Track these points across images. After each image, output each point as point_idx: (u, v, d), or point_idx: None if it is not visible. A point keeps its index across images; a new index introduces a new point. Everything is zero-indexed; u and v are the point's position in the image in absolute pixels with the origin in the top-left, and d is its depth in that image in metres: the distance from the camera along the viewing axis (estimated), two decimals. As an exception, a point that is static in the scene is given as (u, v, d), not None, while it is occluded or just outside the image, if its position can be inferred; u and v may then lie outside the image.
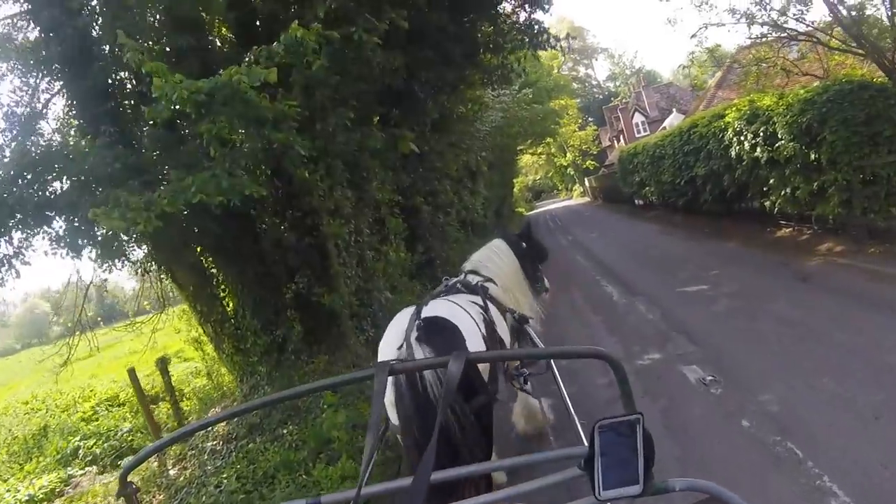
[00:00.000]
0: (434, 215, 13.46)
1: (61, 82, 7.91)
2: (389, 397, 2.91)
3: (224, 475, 6.27)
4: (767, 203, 12.92)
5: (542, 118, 34.60)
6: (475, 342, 3.23)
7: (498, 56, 12.18)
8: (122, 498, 1.53)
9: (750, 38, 19.37)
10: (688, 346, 7.20)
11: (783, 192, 11.70)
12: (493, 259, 4.74)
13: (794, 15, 14.94)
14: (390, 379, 2.39)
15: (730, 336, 7.14)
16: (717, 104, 22.87)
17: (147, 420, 8.24)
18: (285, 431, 6.85)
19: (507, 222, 38.80)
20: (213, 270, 8.83)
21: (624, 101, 53.42)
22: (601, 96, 76.44)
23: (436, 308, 3.33)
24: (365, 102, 8.36)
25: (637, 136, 41.93)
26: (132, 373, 7.97)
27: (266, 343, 8.41)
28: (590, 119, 64.83)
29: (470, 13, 10.14)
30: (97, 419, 11.02)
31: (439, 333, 3.03)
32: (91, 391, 13.37)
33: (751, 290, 8.95)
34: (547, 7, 11.52)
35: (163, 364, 8.56)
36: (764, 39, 18.93)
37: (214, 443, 7.35)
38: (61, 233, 6.68)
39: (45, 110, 8.46)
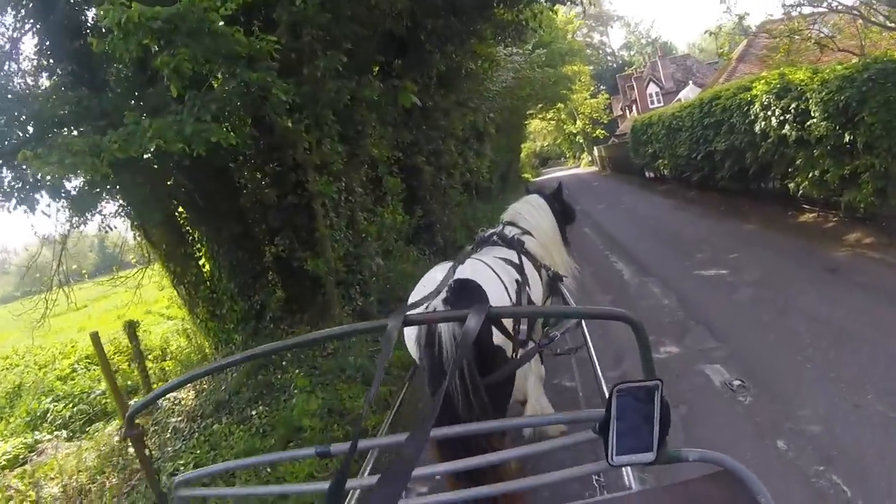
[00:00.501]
0: (436, 176, 12.58)
1: (31, 20, 7.01)
2: (414, 347, 2.91)
3: (181, 460, 5.64)
4: (791, 185, 12.15)
5: (553, 82, 33.45)
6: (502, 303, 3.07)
7: (513, 10, 11.29)
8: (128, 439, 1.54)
9: (785, 5, 18.43)
10: (709, 340, 6.45)
11: (810, 175, 10.90)
12: (533, 213, 4.59)
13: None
14: (415, 330, 2.60)
15: (756, 331, 6.38)
16: (739, 77, 21.86)
17: (111, 388, 7.53)
18: (254, 413, 6.19)
19: (513, 188, 38.10)
20: (189, 229, 8.05)
21: (639, 70, 51.93)
22: (615, 65, 74.73)
23: (467, 270, 3.14)
24: (362, 48, 7.53)
25: (651, 106, 40.78)
26: (96, 338, 7.20)
27: (243, 309, 7.73)
28: (602, 87, 63.31)
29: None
30: (74, 378, 10.36)
31: (467, 298, 2.82)
32: (72, 347, 12.73)
33: (775, 279, 8.16)
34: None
35: (131, 329, 7.83)
36: (798, 11, 17.96)
37: (179, 419, 6.69)
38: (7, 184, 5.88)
39: (13, 50, 7.56)
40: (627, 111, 52.66)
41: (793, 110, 11.12)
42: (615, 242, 13.53)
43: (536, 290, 3.75)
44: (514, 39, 12.99)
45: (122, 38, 4.42)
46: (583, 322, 3.43)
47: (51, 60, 7.02)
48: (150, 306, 11.77)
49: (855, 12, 13.17)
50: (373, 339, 7.30)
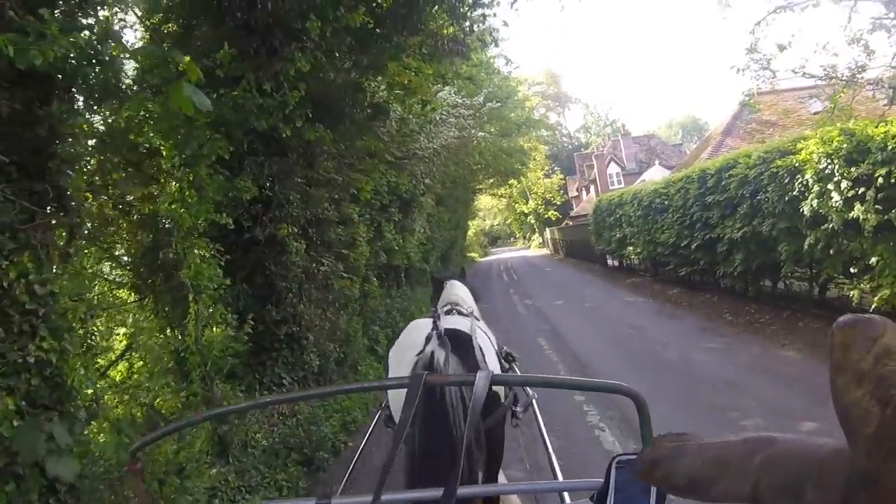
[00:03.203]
0: (316, 258, 7.90)
1: None
2: (399, 397, 2.60)
3: None
4: (855, 292, 8.05)
5: (507, 155, 29.72)
6: (491, 357, 3.15)
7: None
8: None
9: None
10: None
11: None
12: (465, 296, 4.48)
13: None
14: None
15: None
16: (724, 154, 18.18)
17: None
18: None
19: (456, 268, 33.63)
20: None
21: (600, 148, 49.06)
22: (570, 146, 72.72)
23: (451, 322, 3.24)
24: None
25: (611, 187, 37.38)
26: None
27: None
28: (556, 167, 60.98)
29: None
30: None
31: (459, 345, 2.86)
32: None
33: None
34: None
35: None
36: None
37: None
38: None
39: None
40: (584, 192, 49.69)
41: (877, 182, 7.07)
42: (588, 371, 8.91)
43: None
44: (450, 61, 8.64)
45: None
46: (534, 403, 3.32)
47: None
48: None
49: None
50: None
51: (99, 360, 6.46)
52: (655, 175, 28.22)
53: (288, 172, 7.20)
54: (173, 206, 5.34)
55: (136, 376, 6.89)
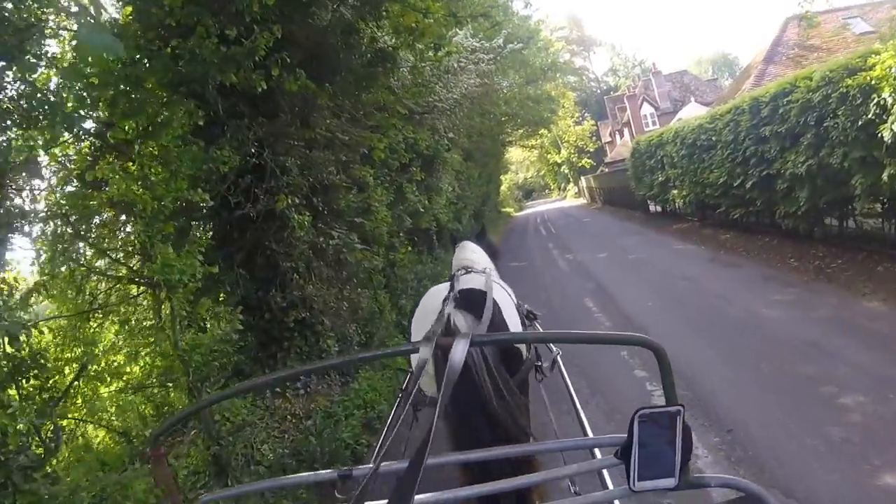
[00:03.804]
0: (325, 230, 6.90)
1: None
2: (430, 369, 2.63)
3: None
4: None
5: (534, 103, 28.29)
6: (510, 312, 3.16)
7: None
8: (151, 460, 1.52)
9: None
10: None
11: None
12: (479, 258, 4.42)
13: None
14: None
15: None
16: (768, 82, 16.63)
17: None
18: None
19: (490, 226, 32.52)
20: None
21: (631, 88, 46.88)
22: (598, 91, 70.18)
23: (469, 281, 3.18)
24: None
25: (647, 129, 35.56)
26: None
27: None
28: (586, 114, 59.01)
29: None
30: None
31: (477, 302, 2.77)
32: None
33: None
34: None
35: None
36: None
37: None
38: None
39: None
40: (618, 136, 47.75)
41: None
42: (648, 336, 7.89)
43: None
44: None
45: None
46: (559, 360, 3.35)
47: None
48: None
49: None
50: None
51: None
52: (692, 112, 26.50)
53: (280, 135, 6.19)
54: (133, 188, 4.39)
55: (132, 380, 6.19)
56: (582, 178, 55.44)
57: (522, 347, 3.06)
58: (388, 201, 9.92)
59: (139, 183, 4.43)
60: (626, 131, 43.96)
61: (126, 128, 4.50)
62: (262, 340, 6.44)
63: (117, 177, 4.36)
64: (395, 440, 1.87)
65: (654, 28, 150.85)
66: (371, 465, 1.24)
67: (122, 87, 4.22)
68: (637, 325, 8.22)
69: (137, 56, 4.72)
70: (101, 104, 4.42)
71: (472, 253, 4.51)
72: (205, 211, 6.00)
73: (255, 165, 5.93)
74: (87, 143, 5.30)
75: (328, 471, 1.46)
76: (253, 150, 5.83)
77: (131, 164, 4.69)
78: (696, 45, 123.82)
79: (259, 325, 6.42)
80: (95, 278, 6.02)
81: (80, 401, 5.59)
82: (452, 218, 19.16)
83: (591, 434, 2.28)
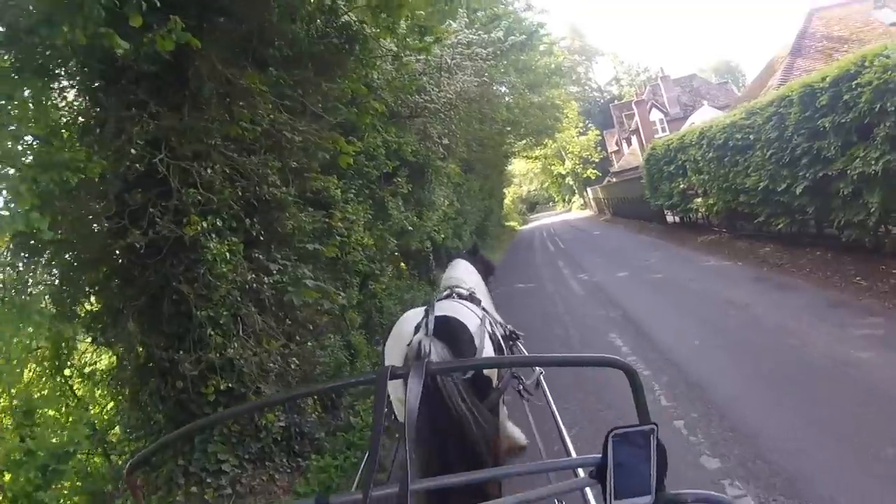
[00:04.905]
0: (262, 263, 5.01)
1: None
2: (400, 395, 2.55)
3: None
4: None
5: (539, 110, 26.55)
6: (484, 342, 3.05)
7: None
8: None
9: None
10: None
11: None
12: (467, 277, 4.42)
13: None
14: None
15: None
16: (795, 78, 14.84)
17: None
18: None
19: (494, 241, 30.64)
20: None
21: (639, 94, 45.14)
22: (601, 101, 68.66)
23: (444, 308, 3.12)
24: None
25: (655, 135, 33.74)
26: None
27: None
28: (589, 123, 57.62)
29: None
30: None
31: (450, 332, 2.82)
32: None
33: None
34: None
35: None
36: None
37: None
38: None
39: None
40: (625, 144, 46.05)
41: None
42: (715, 403, 5.86)
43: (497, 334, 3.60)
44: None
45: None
46: (542, 380, 3.31)
47: None
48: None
49: None
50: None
51: None
52: (705, 116, 24.71)
53: (188, 131, 4.38)
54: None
55: None
56: (588, 189, 54.06)
57: (493, 374, 3.01)
58: (365, 219, 8.08)
59: None
60: (633, 139, 42.29)
61: None
62: (176, 418, 4.61)
63: None
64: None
65: (655, 38, 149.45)
66: (353, 493, 1.32)
67: None
68: (694, 380, 6.14)
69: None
70: None
71: (462, 272, 4.47)
72: (84, 241, 4.20)
73: (144, 174, 4.12)
74: None
75: (305, 499, 1.59)
76: (139, 153, 4.00)
77: None
78: (697, 55, 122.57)
79: (171, 397, 4.59)
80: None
81: None
82: (451, 235, 17.34)
83: (573, 453, 2.26)
